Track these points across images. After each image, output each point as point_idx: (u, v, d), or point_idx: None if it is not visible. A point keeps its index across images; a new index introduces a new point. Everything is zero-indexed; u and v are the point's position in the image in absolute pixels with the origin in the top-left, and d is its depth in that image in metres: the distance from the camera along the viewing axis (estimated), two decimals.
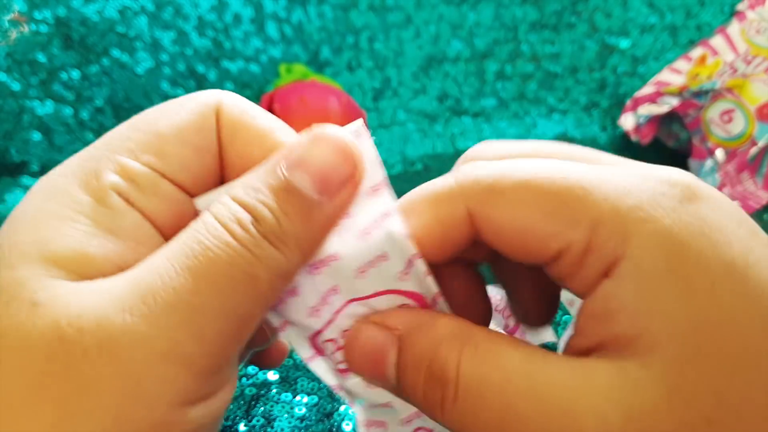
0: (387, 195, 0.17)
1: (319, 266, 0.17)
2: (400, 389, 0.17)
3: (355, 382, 0.18)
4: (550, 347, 0.33)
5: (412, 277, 0.17)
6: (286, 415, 0.33)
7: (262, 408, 0.34)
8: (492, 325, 0.33)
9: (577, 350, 0.15)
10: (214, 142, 0.18)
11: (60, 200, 0.15)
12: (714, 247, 0.13)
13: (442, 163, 0.63)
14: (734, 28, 0.60)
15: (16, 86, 0.55)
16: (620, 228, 0.14)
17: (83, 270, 0.15)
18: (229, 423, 0.34)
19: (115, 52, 0.58)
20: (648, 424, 0.13)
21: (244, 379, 0.36)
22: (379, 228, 0.16)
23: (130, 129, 0.17)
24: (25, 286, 0.14)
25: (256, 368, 0.36)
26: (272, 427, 0.33)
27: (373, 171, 0.17)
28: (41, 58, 0.55)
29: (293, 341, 0.18)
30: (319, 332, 0.18)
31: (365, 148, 0.17)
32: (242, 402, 0.34)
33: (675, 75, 0.61)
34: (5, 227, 0.15)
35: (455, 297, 0.18)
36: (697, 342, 0.13)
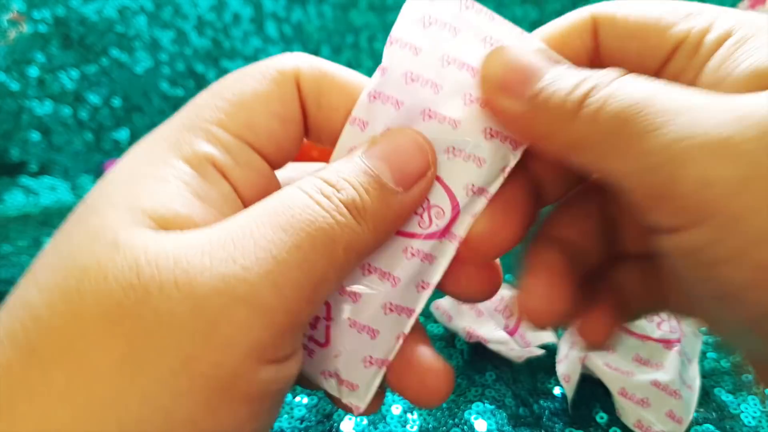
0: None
1: None
2: (538, 96, 0.16)
3: None
4: (551, 348, 0.33)
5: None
6: (285, 416, 0.33)
7: None
8: (492, 326, 0.33)
9: None
10: (298, 111, 0.18)
11: (156, 165, 0.16)
12: None
13: None
14: None
15: (14, 86, 0.55)
16: (740, 15, 0.15)
17: (168, 225, 0.15)
18: None
19: (114, 52, 0.58)
20: None
21: None
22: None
23: (217, 99, 0.17)
24: (109, 228, 0.14)
25: None
26: (271, 427, 0.33)
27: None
28: (40, 57, 0.55)
29: None
30: None
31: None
32: None
33: None
34: (99, 186, 0.16)
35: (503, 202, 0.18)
36: None
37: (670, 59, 0.16)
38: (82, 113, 0.57)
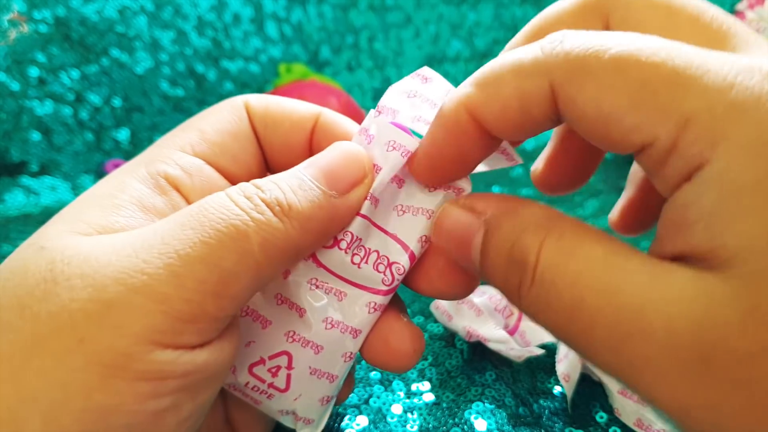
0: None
1: None
2: (483, 272, 0.17)
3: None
4: (551, 348, 0.33)
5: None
6: None
7: None
8: (492, 325, 0.33)
9: (658, 256, 0.14)
10: (249, 129, 0.20)
11: (111, 185, 0.18)
12: None
13: None
14: None
15: (15, 86, 0.55)
16: (711, 128, 0.12)
17: (108, 233, 0.16)
18: None
19: (115, 52, 0.58)
20: (717, 338, 0.12)
21: None
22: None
23: (178, 130, 0.20)
24: (45, 237, 0.16)
25: None
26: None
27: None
28: (41, 57, 0.55)
29: None
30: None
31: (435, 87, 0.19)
32: None
33: None
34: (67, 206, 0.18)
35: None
36: None
37: (640, 153, 0.14)
38: (83, 113, 0.57)
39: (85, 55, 0.57)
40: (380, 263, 0.19)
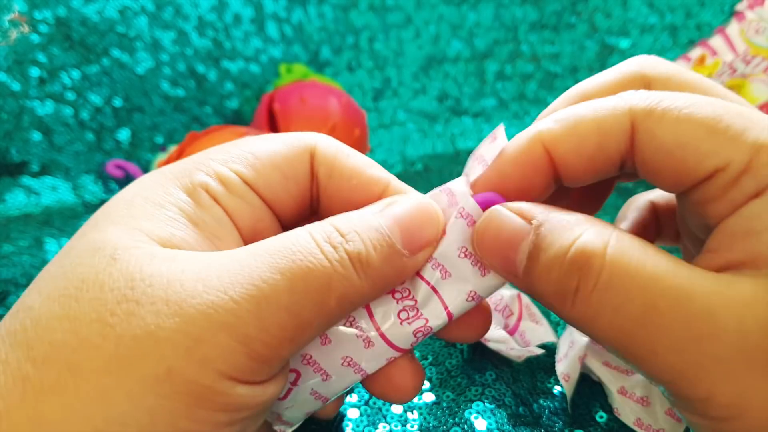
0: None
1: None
2: (527, 278, 0.17)
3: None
4: (551, 348, 0.33)
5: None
6: None
7: None
8: (492, 325, 0.33)
9: (710, 268, 0.15)
10: (305, 175, 0.20)
11: (156, 192, 0.17)
12: None
13: (442, 163, 0.63)
14: (733, 28, 0.60)
15: (16, 86, 0.55)
16: None
17: (164, 245, 0.16)
18: None
19: (115, 52, 0.58)
20: None
21: None
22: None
23: (230, 146, 0.19)
24: (108, 244, 0.15)
25: None
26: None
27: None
28: (41, 58, 0.55)
29: None
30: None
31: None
32: None
33: None
34: (103, 207, 0.17)
35: None
36: None
37: (705, 182, 0.16)
38: (83, 113, 0.57)
39: (86, 55, 0.57)
40: (421, 331, 0.19)
